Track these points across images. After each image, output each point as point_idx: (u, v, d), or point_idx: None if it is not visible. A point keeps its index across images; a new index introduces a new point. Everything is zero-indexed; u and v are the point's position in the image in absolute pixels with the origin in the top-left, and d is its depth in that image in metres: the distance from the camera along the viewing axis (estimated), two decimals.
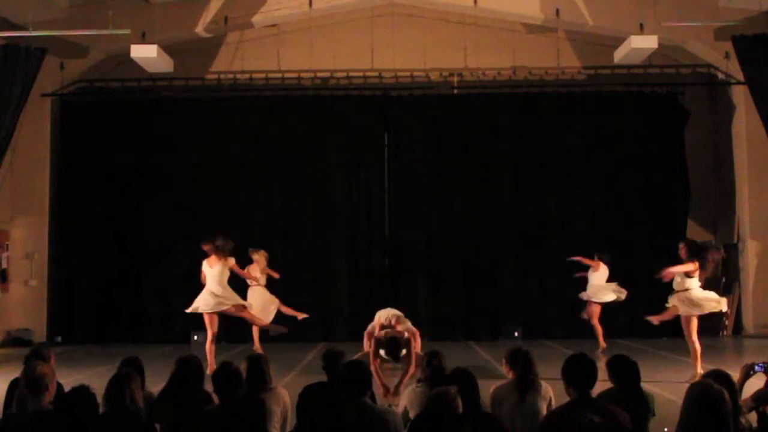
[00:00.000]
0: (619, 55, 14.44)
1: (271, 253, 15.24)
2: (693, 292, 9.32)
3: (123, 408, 4.28)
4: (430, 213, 15.83)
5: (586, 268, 12.45)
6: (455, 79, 15.82)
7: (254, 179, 15.83)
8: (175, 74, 14.96)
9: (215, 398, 4.69)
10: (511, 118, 15.77)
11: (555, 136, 15.85)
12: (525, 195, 15.72)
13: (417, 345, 8.50)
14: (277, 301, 12.21)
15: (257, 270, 12.13)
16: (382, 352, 8.26)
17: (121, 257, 15.42)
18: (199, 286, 10.37)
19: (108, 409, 4.31)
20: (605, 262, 12.36)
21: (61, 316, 15.28)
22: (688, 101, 15.87)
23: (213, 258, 10.19)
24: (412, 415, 4.88)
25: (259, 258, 12.28)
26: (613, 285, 12.24)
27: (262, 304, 11.86)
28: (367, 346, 8.72)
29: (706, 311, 9.39)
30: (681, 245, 9.53)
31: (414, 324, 9.11)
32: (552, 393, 5.15)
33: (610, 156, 15.66)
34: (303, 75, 15.77)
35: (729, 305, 15.08)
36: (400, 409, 5.17)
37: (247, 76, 15.92)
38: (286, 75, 15.80)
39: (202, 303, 10.15)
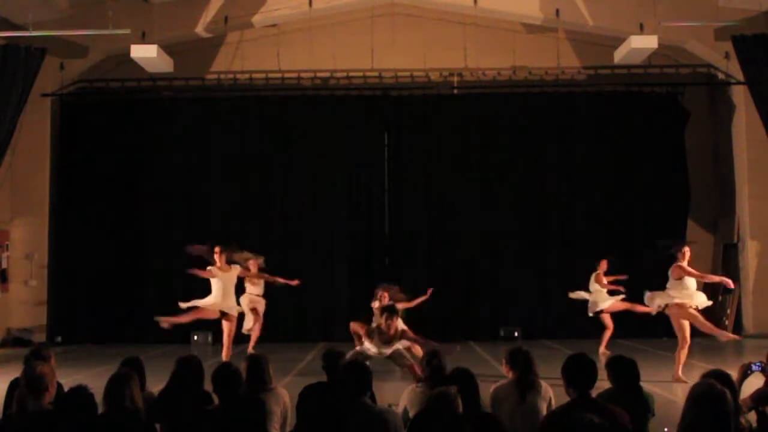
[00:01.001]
0: (619, 55, 14.44)
1: (271, 252, 15.32)
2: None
3: (122, 408, 4.28)
4: (430, 213, 15.83)
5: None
6: (455, 79, 15.82)
7: (254, 179, 15.83)
8: (175, 74, 14.96)
9: (215, 398, 4.69)
10: (511, 118, 15.77)
11: (555, 136, 15.85)
12: (525, 195, 15.72)
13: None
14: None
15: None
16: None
17: (120, 257, 15.42)
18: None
19: (108, 409, 4.31)
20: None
21: (61, 316, 15.29)
22: (688, 101, 15.88)
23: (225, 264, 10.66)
24: (412, 415, 4.87)
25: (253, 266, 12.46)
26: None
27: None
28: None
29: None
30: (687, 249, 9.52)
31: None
32: (552, 393, 5.15)
33: (610, 156, 15.67)
34: (303, 75, 15.78)
35: (730, 305, 15.16)
36: (400, 409, 5.17)
37: (247, 76, 15.92)
38: (286, 75, 15.80)
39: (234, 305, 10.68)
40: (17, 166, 15.07)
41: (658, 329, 13.72)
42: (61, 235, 15.56)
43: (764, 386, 4.87)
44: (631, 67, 15.37)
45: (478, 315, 15.39)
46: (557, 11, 14.99)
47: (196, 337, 14.52)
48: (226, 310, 10.81)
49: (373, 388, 4.73)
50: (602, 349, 11.79)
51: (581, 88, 15.91)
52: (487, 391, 5.01)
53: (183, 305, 10.91)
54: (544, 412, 4.95)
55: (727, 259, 15.73)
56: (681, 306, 9.22)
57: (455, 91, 15.91)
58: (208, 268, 10.92)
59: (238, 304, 11.43)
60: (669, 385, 8.29)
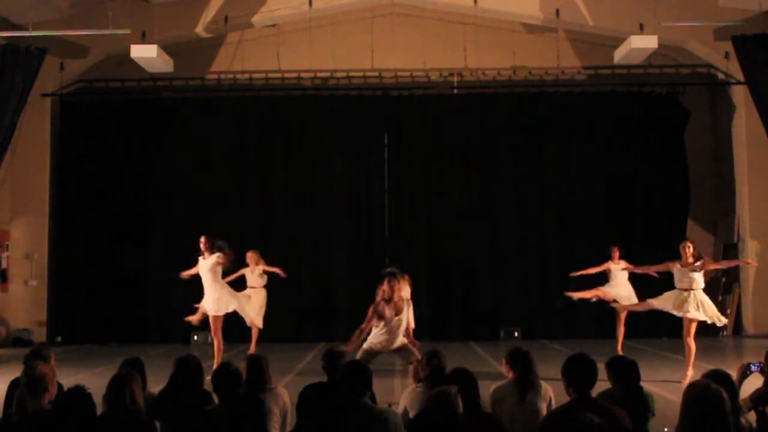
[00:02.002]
0: (619, 55, 14.44)
1: (271, 252, 15.29)
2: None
3: (124, 408, 4.28)
4: (430, 213, 15.83)
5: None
6: (455, 79, 15.82)
7: (254, 179, 15.84)
8: (175, 74, 14.96)
9: (215, 398, 4.69)
10: (511, 118, 15.77)
11: (555, 136, 15.85)
12: (525, 194, 15.73)
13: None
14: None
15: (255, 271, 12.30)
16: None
17: (121, 257, 15.41)
18: (198, 286, 10.39)
19: (109, 409, 4.31)
20: (622, 256, 12.04)
21: (61, 316, 15.29)
22: (688, 101, 15.87)
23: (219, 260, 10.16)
24: (412, 415, 4.87)
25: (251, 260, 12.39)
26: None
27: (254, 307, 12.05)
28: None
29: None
30: (689, 244, 9.51)
31: (414, 324, 9.14)
32: (552, 393, 5.15)
33: (610, 156, 15.67)
34: (303, 75, 15.77)
35: (730, 305, 15.16)
36: (400, 409, 5.17)
37: (247, 76, 15.92)
38: (286, 75, 15.80)
39: (222, 305, 10.18)
40: (17, 166, 15.08)
41: (659, 329, 13.79)
42: (61, 235, 15.56)
43: (764, 386, 4.87)
44: (631, 67, 15.36)
45: (478, 315, 15.39)
46: (557, 11, 14.99)
47: (196, 337, 14.52)
48: (205, 312, 10.44)
49: (373, 388, 4.73)
50: (619, 349, 11.35)
51: (581, 88, 15.91)
52: (487, 391, 5.01)
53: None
54: (544, 412, 4.95)
55: (727, 259, 15.71)
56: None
57: (455, 91, 15.90)
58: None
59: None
60: (669, 385, 8.28)
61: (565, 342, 13.37)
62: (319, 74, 15.79)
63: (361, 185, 15.98)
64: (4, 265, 15.22)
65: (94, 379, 4.70)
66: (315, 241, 15.73)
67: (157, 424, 4.71)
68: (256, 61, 15.83)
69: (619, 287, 11.65)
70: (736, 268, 15.34)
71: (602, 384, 4.59)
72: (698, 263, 9.35)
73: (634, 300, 11.37)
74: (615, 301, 11.54)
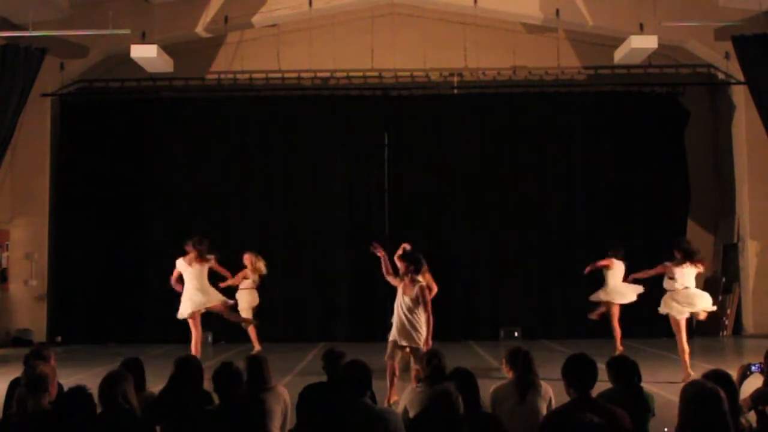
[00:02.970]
0: (619, 55, 14.44)
1: (271, 252, 15.28)
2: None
3: (116, 407, 4.28)
4: (430, 213, 15.82)
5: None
6: (455, 79, 15.82)
7: (254, 179, 15.84)
8: (175, 74, 14.96)
9: (215, 398, 4.69)
10: (511, 118, 15.77)
11: (555, 136, 15.85)
12: (525, 194, 15.71)
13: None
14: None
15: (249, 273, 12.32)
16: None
17: (120, 257, 15.41)
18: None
19: (102, 408, 4.31)
20: (620, 259, 12.10)
21: (61, 316, 15.29)
22: (688, 101, 15.87)
23: (192, 258, 10.30)
24: (412, 414, 4.87)
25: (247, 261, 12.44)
26: (632, 285, 11.58)
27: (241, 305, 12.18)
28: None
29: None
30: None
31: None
32: (552, 393, 5.15)
33: (610, 156, 15.66)
34: (303, 75, 15.77)
35: (730, 305, 15.16)
36: (400, 409, 5.17)
37: (247, 76, 15.92)
38: (286, 75, 15.79)
39: (192, 304, 10.23)
40: (17, 166, 15.08)
41: (659, 329, 13.77)
42: (61, 235, 15.56)
43: (764, 386, 4.87)
44: (631, 67, 15.36)
45: (478, 315, 15.39)
46: (557, 11, 14.99)
47: None
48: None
49: (373, 388, 4.73)
50: (619, 348, 11.38)
51: (581, 88, 15.90)
52: (487, 391, 5.01)
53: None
54: (544, 412, 4.95)
55: (727, 259, 15.72)
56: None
57: (455, 91, 15.90)
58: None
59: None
60: (669, 385, 8.28)
61: (565, 342, 13.36)
62: (319, 74, 15.79)
63: (361, 185, 15.98)
64: (4, 265, 15.22)
65: (94, 379, 4.69)
66: (315, 241, 15.72)
67: (157, 424, 4.72)
68: (256, 61, 15.83)
69: (619, 287, 11.73)
70: (736, 268, 15.35)
71: (602, 384, 4.59)
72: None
73: (631, 297, 11.55)
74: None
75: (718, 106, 16.28)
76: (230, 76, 16.07)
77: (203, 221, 15.16)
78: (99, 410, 4.35)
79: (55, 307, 15.34)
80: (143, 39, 14.14)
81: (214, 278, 11.26)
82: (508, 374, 5.32)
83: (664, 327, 11.12)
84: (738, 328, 15.15)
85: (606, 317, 11.81)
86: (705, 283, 15.01)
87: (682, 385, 3.88)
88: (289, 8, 15.23)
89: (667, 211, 15.54)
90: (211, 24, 15.23)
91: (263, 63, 15.73)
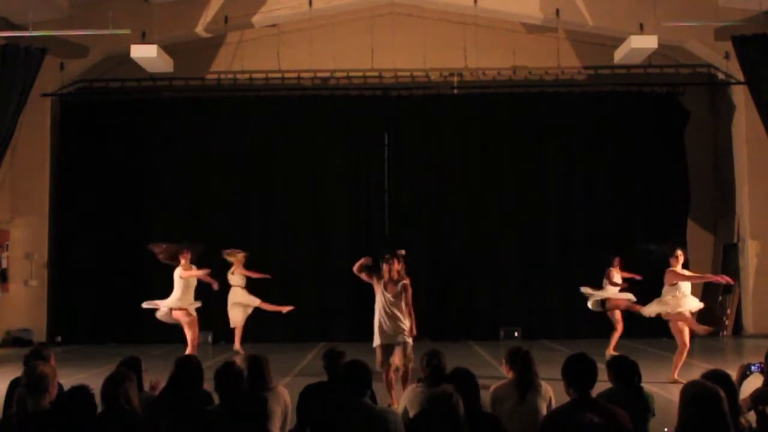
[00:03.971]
0: (619, 55, 14.44)
1: (271, 252, 15.29)
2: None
3: (118, 407, 4.28)
4: (430, 213, 15.83)
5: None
6: (455, 79, 15.82)
7: (254, 179, 15.83)
8: (175, 74, 14.97)
9: (215, 398, 4.68)
10: (511, 118, 15.78)
11: (555, 136, 15.85)
12: (524, 195, 15.72)
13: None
14: (256, 301, 12.42)
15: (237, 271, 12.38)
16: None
17: (120, 257, 15.41)
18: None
19: (104, 408, 4.31)
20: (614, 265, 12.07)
21: (61, 316, 15.29)
22: (688, 101, 15.87)
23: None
24: (412, 415, 4.87)
25: (236, 260, 12.45)
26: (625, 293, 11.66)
27: (237, 305, 12.33)
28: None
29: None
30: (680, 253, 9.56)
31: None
32: (552, 393, 5.15)
33: (610, 156, 15.67)
34: (303, 75, 15.77)
35: (730, 305, 15.16)
36: (399, 409, 5.17)
37: (247, 76, 15.92)
38: (286, 75, 15.80)
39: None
40: (17, 166, 15.08)
41: (658, 330, 13.76)
42: (61, 235, 15.56)
43: (764, 386, 4.87)
44: (631, 67, 15.37)
45: (478, 315, 15.39)
46: (557, 11, 14.99)
47: None
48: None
49: (373, 388, 4.73)
50: (610, 350, 11.37)
51: (581, 88, 15.91)
52: (487, 391, 5.01)
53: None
54: (544, 412, 4.95)
55: (727, 259, 15.73)
56: (678, 313, 9.33)
57: (455, 91, 15.90)
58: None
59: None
60: (669, 385, 8.29)
61: (565, 342, 13.36)
62: (319, 74, 15.79)
63: (361, 185, 15.97)
64: (4, 265, 15.22)
65: (94, 379, 4.70)
66: (315, 240, 15.72)
67: (157, 424, 4.71)
68: (256, 61, 15.83)
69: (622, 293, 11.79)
70: (736, 268, 15.35)
71: (602, 384, 4.59)
72: None
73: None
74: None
75: (718, 106, 16.28)
76: (230, 76, 16.07)
77: (203, 221, 15.18)
78: (101, 409, 4.35)
79: (55, 307, 15.33)
80: (143, 39, 14.14)
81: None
82: (508, 374, 5.32)
83: (664, 327, 11.12)
84: (738, 328, 15.15)
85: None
86: (705, 284, 15.07)
87: (681, 385, 3.88)
88: (289, 8, 15.23)
89: (667, 211, 15.54)
90: (211, 24, 15.23)
91: (263, 63, 15.74)
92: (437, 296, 15.37)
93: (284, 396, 4.99)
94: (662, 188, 15.60)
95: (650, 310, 9.72)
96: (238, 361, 4.97)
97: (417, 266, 15.54)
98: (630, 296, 11.51)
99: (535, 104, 15.73)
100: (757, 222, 15.08)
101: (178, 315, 10.53)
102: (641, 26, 14.35)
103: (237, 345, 12.42)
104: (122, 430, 4.23)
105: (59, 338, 14.94)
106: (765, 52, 14.09)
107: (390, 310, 8.15)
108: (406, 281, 8.28)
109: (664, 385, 8.24)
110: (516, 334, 14.85)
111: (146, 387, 5.31)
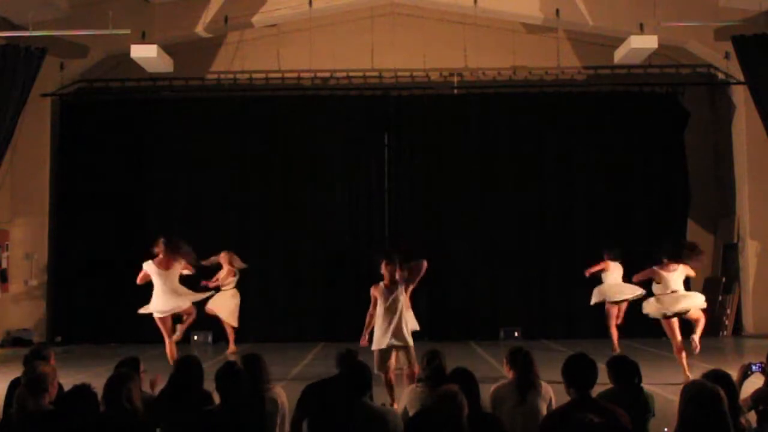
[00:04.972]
0: (619, 55, 14.44)
1: (271, 252, 15.30)
2: None
3: (120, 408, 4.28)
4: (430, 213, 15.82)
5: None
6: (455, 79, 15.81)
7: (254, 179, 15.82)
8: (175, 74, 14.97)
9: (215, 398, 4.68)
10: (511, 118, 15.77)
11: (555, 136, 15.85)
12: (525, 195, 15.71)
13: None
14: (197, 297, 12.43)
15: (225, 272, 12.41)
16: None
17: (120, 257, 15.36)
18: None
19: (105, 409, 4.31)
20: (614, 260, 12.15)
21: (61, 316, 15.28)
22: (688, 101, 15.87)
23: (164, 260, 10.27)
24: (412, 414, 4.87)
25: (224, 261, 12.49)
26: (631, 285, 11.46)
27: (229, 307, 12.34)
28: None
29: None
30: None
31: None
32: (552, 393, 5.15)
33: (610, 156, 15.66)
34: (303, 75, 15.77)
35: (729, 305, 15.15)
36: (399, 409, 5.17)
37: (247, 76, 15.92)
38: (286, 75, 15.79)
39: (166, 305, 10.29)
40: (17, 166, 15.08)
41: (658, 329, 13.75)
42: (61, 235, 15.55)
43: (764, 386, 4.87)
44: (631, 67, 15.36)
45: (478, 315, 15.38)
46: (557, 11, 14.98)
47: (196, 337, 14.51)
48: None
49: (372, 389, 4.73)
50: (616, 348, 11.53)
51: (581, 88, 15.90)
52: (487, 391, 5.01)
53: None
54: (544, 412, 4.95)
55: (727, 259, 15.72)
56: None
57: (455, 91, 15.89)
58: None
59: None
60: (669, 385, 8.28)
61: (565, 342, 13.36)
62: (319, 74, 15.79)
63: (361, 185, 15.97)
64: (4, 265, 15.21)
65: (94, 379, 4.69)
66: (314, 240, 15.71)
67: (157, 424, 4.71)
68: (256, 61, 15.83)
69: (614, 287, 11.96)
70: (736, 268, 15.35)
71: (602, 384, 4.59)
72: None
73: (626, 294, 11.74)
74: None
75: (718, 106, 16.28)
76: (230, 76, 16.07)
77: (203, 221, 15.18)
78: (102, 409, 4.35)
79: (55, 307, 15.33)
80: (143, 39, 14.14)
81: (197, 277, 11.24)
82: (508, 374, 5.32)
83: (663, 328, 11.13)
84: (738, 328, 15.14)
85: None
86: (705, 283, 15.08)
87: (682, 385, 3.88)
88: (289, 8, 15.22)
89: (667, 211, 15.54)
90: (211, 24, 15.22)
91: (263, 63, 15.74)
92: (437, 296, 15.35)
93: (281, 397, 5.00)
94: (662, 188, 15.60)
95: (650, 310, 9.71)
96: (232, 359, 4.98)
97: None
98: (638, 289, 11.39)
99: (535, 104, 15.72)
100: (757, 222, 15.08)
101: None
102: (641, 26, 14.34)
103: (232, 346, 12.38)
104: (123, 431, 4.24)
105: (59, 338, 14.93)
106: (765, 52, 14.08)
107: (389, 313, 8.03)
108: (420, 262, 8.13)
109: (664, 385, 8.24)
110: (516, 334, 14.84)
111: (145, 386, 5.31)
